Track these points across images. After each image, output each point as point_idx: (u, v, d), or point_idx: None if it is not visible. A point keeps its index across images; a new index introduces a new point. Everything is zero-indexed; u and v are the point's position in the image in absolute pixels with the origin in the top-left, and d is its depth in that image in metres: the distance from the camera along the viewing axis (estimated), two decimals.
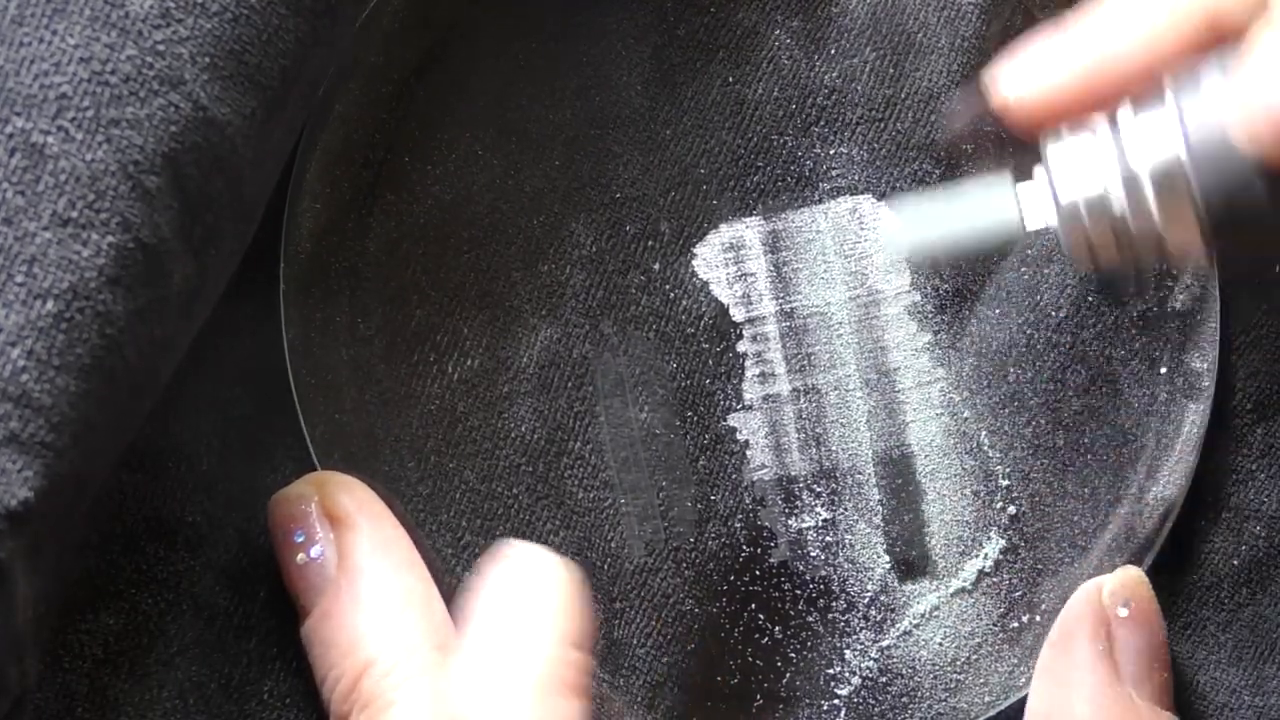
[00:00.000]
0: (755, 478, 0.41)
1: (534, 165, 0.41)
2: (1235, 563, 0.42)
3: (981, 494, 0.42)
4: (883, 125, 0.41)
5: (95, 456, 0.32)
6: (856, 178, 0.41)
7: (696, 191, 0.41)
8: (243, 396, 0.40)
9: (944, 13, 0.41)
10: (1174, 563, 0.42)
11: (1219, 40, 0.32)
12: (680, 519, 0.41)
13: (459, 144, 0.41)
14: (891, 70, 0.41)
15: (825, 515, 0.41)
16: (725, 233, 0.41)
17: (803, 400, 0.41)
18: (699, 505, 0.41)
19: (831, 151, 0.41)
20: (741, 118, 0.41)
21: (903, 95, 0.41)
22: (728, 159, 0.41)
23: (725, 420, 0.41)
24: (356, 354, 0.40)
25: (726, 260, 0.41)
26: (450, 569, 0.40)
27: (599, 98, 0.41)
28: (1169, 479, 0.41)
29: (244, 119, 0.33)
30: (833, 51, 0.41)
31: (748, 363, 0.41)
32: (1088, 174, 0.32)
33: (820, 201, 0.41)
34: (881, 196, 0.41)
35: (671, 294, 0.41)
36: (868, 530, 0.41)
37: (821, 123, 0.41)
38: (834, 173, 0.41)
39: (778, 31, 0.41)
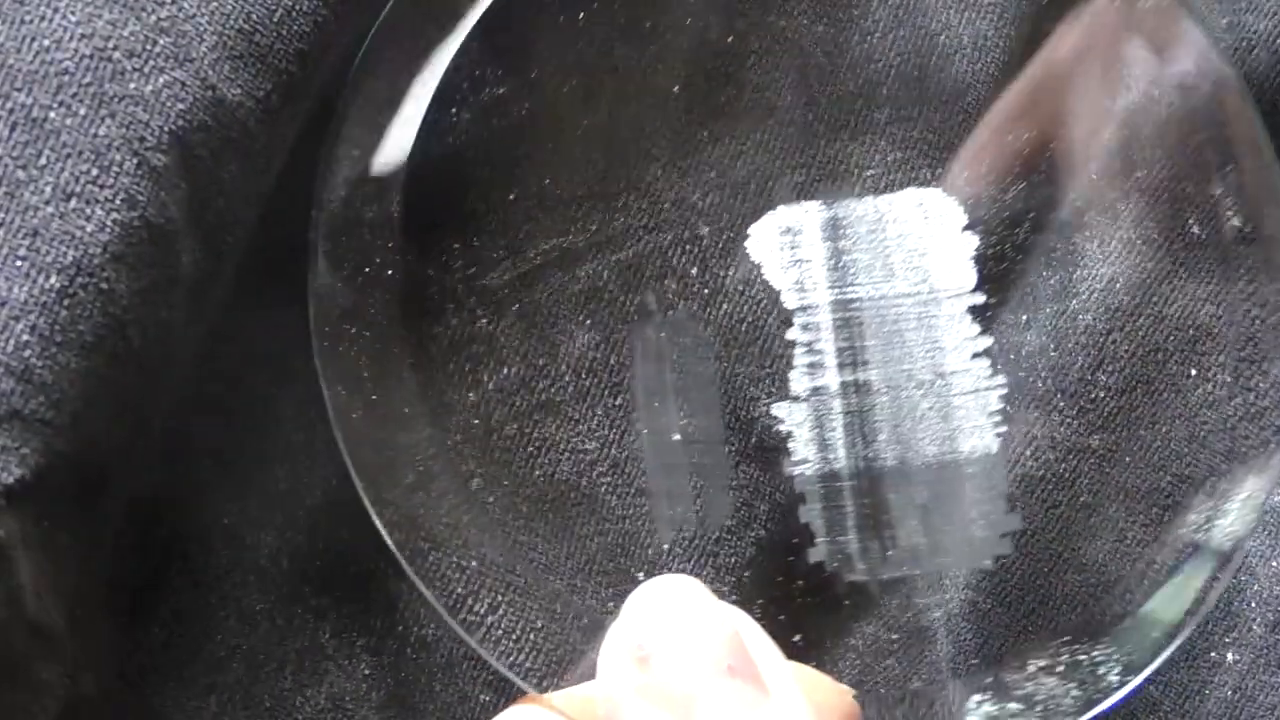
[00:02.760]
0: (797, 472, 0.40)
1: (570, 170, 0.41)
2: None
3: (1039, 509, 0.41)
4: (911, 125, 0.41)
5: (96, 437, 0.31)
6: (891, 178, 0.41)
7: (734, 194, 0.41)
8: (277, 396, 0.40)
9: (965, 13, 0.41)
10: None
11: None
12: (716, 523, 0.41)
13: (493, 150, 0.41)
14: (915, 72, 0.41)
15: (865, 516, 0.40)
16: (783, 215, 0.40)
17: (852, 396, 0.40)
18: (740, 510, 0.40)
19: (863, 152, 0.41)
20: (774, 120, 0.41)
21: (929, 95, 0.41)
22: (764, 161, 0.41)
23: (768, 409, 0.40)
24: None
25: (782, 244, 0.40)
26: (483, 578, 0.40)
27: (635, 102, 0.41)
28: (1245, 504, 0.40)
29: (257, 102, 0.32)
30: (858, 54, 0.41)
31: (797, 351, 0.40)
32: None
33: (881, 192, 0.41)
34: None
35: (710, 298, 0.41)
36: (908, 536, 0.40)
37: (852, 124, 0.41)
38: (868, 173, 0.41)
39: (806, 36, 0.41)
